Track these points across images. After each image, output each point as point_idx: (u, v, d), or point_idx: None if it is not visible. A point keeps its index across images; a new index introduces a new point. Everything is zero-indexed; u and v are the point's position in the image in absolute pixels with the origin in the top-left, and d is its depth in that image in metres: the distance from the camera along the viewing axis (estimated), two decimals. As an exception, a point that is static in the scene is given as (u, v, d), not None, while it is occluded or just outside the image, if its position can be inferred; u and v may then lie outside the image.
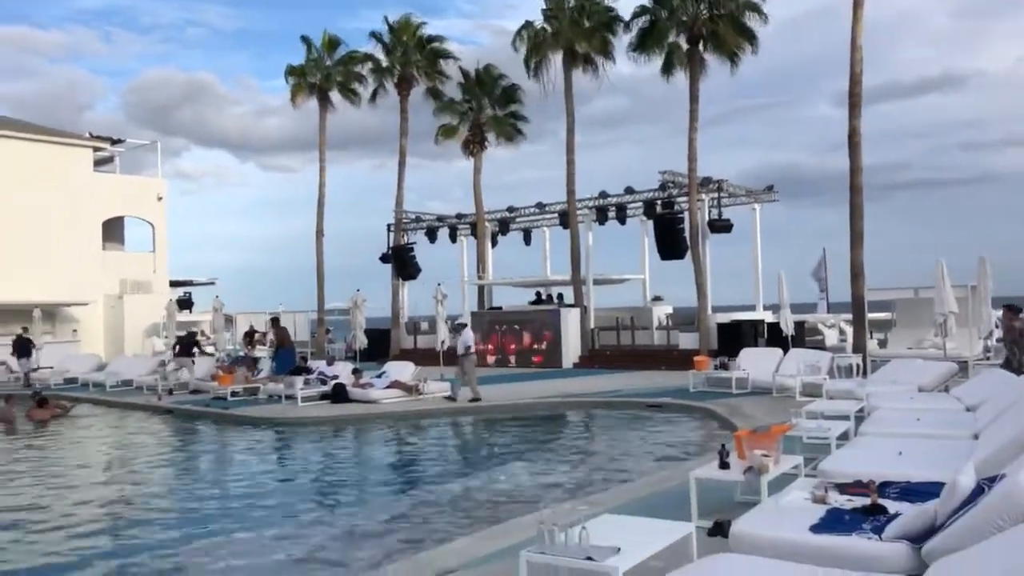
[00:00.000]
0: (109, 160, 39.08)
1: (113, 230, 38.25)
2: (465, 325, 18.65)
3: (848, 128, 20.96)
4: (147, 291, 36.54)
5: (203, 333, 35.82)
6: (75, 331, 34.01)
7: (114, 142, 38.38)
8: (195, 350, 22.43)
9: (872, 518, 5.14)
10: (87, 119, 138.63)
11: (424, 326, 31.31)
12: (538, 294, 28.97)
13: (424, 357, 24.76)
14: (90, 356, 28.13)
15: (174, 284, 39.92)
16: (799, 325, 22.71)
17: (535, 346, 25.96)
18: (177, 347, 22.43)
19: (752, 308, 26.64)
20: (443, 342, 23.96)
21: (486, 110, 30.79)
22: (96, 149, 37.12)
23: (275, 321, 24.65)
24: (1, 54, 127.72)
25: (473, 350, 17.83)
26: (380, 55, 32.29)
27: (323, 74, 32.67)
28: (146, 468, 12.66)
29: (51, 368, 25.89)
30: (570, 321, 25.70)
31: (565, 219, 28.08)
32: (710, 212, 25.30)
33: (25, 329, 26.57)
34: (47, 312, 30.81)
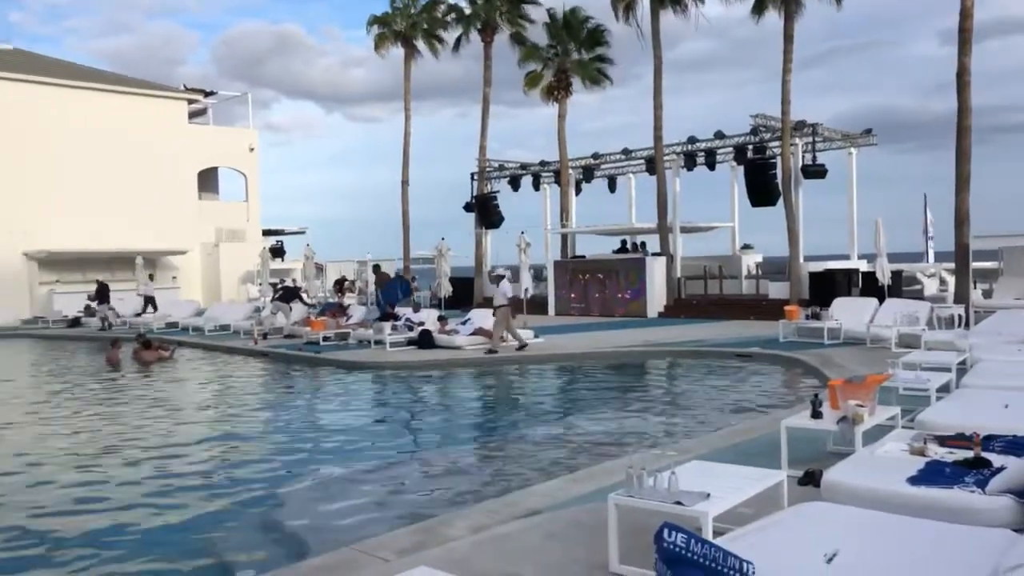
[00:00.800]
0: (203, 112, 40.25)
1: (208, 180, 39.59)
2: (503, 276, 18.59)
3: (957, 66, 19.78)
4: (241, 240, 37.83)
5: (294, 281, 37.00)
6: (175, 278, 35.56)
7: (207, 94, 39.45)
8: (297, 299, 23.29)
9: (975, 471, 4.95)
10: (181, 73, 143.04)
11: (508, 275, 31.44)
12: (623, 242, 28.67)
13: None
14: (189, 302, 29.42)
15: (266, 233, 41.19)
16: (896, 274, 21.86)
17: (619, 295, 25.78)
18: (280, 292, 23.39)
19: (846, 257, 25.73)
20: (526, 290, 24.05)
21: (572, 55, 30.25)
22: (190, 101, 38.26)
23: (376, 268, 25.62)
24: (101, 10, 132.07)
25: (506, 303, 17.36)
26: (463, 2, 32.03)
27: (408, 22, 32.64)
28: (247, 407, 13.22)
29: (154, 313, 27.19)
30: (656, 270, 25.37)
31: (651, 165, 27.55)
32: (804, 157, 24.41)
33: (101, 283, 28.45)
34: (148, 260, 32.28)
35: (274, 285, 23.87)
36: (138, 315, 27.45)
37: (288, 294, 23.06)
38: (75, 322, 28.47)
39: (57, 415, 12.93)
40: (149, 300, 27.98)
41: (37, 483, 8.44)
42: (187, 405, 13.99)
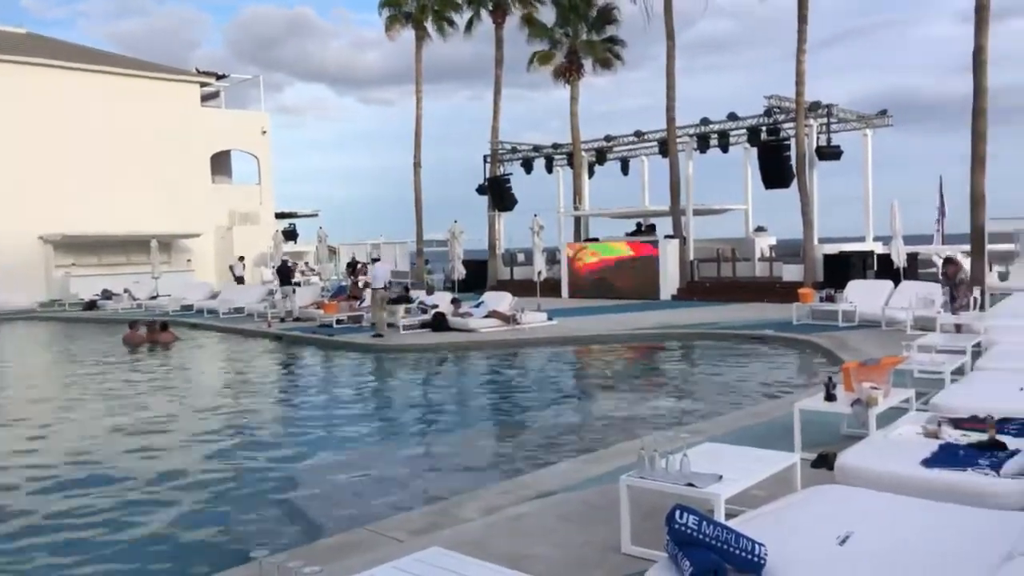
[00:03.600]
0: (215, 95, 40.28)
1: (221, 163, 39.66)
2: (377, 259, 18.91)
3: (974, 45, 19.51)
4: (254, 222, 37.94)
5: (307, 263, 37.09)
6: (189, 260, 35.73)
7: (219, 77, 39.46)
8: (292, 278, 23.12)
9: (990, 454, 4.93)
10: (194, 56, 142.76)
11: (521, 257, 31.45)
12: (639, 225, 28.57)
13: (521, 288, 24.91)
14: (203, 284, 29.56)
15: (279, 216, 41.29)
16: (912, 257, 21.70)
17: (634, 277, 25.72)
18: (278, 276, 23.31)
19: (861, 239, 25.54)
20: (539, 273, 24.03)
21: (581, 36, 30.04)
22: (202, 85, 38.29)
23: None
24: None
25: (381, 286, 17.87)
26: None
27: (419, 4, 32.49)
28: (261, 388, 13.31)
29: (169, 296, 27.37)
30: (669, 252, 25.29)
31: (664, 148, 27.38)
32: (818, 139, 24.18)
33: None
34: (163, 243, 32.44)
35: (278, 268, 23.54)
36: (153, 298, 27.64)
37: (283, 276, 22.57)
38: (91, 305, 28.69)
39: (79, 398, 13.09)
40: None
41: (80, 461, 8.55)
42: (205, 388, 14.11)
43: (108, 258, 33.42)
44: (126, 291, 28.42)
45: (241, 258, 33.09)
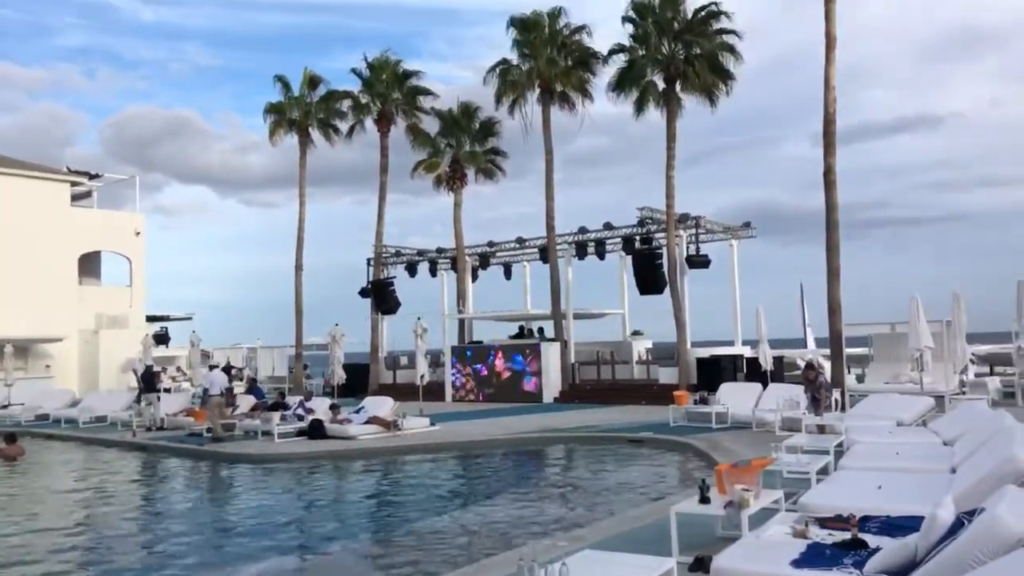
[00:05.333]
0: (87, 195, 38.85)
1: (90, 264, 37.90)
2: (215, 366, 19.40)
3: (824, 166, 21.25)
4: (123, 326, 36.12)
5: (178, 368, 35.47)
6: (48, 366, 33.48)
7: (92, 176, 38.19)
8: (158, 384, 21.97)
9: (853, 552, 5.13)
10: (68, 154, 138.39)
11: (404, 361, 31.16)
12: (521, 328, 28.95)
13: (403, 392, 24.60)
14: (63, 392, 27.68)
15: (151, 319, 39.53)
16: (778, 360, 22.84)
17: (516, 380, 25.86)
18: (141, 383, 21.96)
19: (731, 343, 26.74)
20: (422, 377, 23.82)
21: (465, 146, 30.97)
22: (73, 184, 36.89)
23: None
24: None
25: (217, 392, 18.31)
26: (358, 93, 32.49)
27: (303, 111, 32.82)
28: (113, 506, 12.39)
29: (22, 404, 25.46)
30: (551, 355, 25.67)
31: (545, 254, 28.17)
32: (688, 248, 25.48)
33: None
34: (19, 347, 30.36)
35: (141, 373, 22.12)
36: (4, 407, 25.65)
37: (147, 382, 21.31)
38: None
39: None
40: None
41: None
42: (43, 504, 13.00)
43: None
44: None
45: (149, 366, 30.18)
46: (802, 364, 24.98)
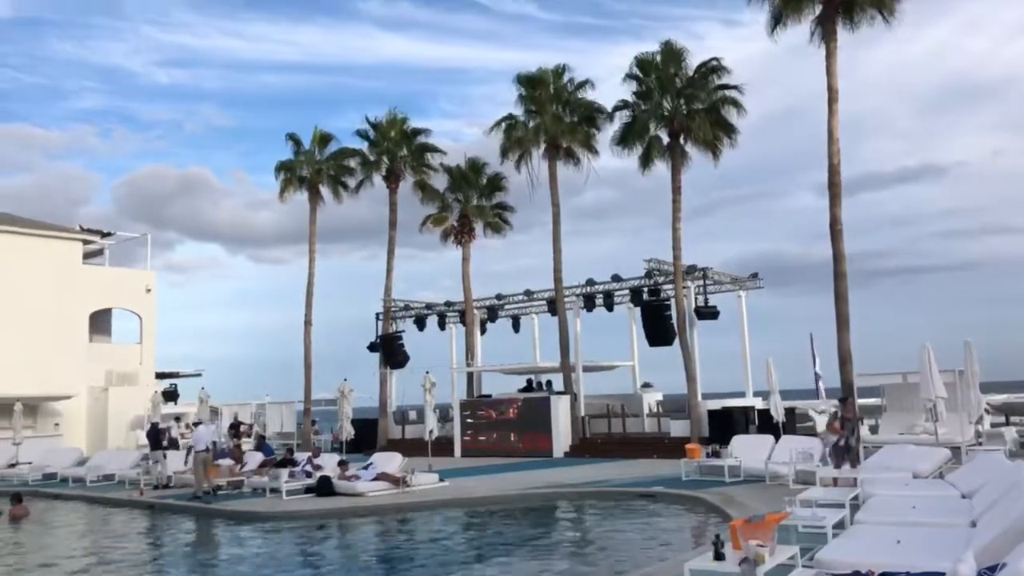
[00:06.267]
0: (99, 253, 39.27)
1: (100, 321, 38.11)
2: (200, 423, 19.47)
3: (829, 217, 21.37)
4: (132, 383, 36.16)
5: (187, 425, 35.35)
6: (57, 424, 33.45)
7: (104, 235, 38.65)
8: (164, 442, 21.87)
9: (872, 610, 5.02)
10: (82, 213, 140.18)
11: (412, 415, 30.99)
12: (529, 381, 28.82)
13: (412, 447, 24.43)
14: (71, 450, 27.55)
15: (160, 376, 39.56)
16: (789, 411, 22.63)
17: (527, 435, 25.64)
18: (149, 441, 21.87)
19: (742, 394, 26.53)
20: (431, 432, 23.68)
21: (472, 201, 31.27)
22: (86, 242, 37.33)
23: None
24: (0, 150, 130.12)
25: (202, 448, 18.38)
26: (367, 151, 32.97)
27: (313, 169, 33.27)
28: (118, 568, 12.24)
29: (30, 463, 25.34)
30: (560, 409, 25.49)
31: (553, 306, 28.20)
32: (696, 299, 25.47)
33: None
34: (29, 406, 30.37)
35: (148, 431, 22.01)
36: (12, 466, 25.52)
37: (153, 440, 21.23)
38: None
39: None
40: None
41: None
42: (45, 566, 12.84)
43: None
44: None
45: (177, 419, 30.33)
46: (815, 416, 24.78)
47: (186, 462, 20.26)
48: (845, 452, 14.10)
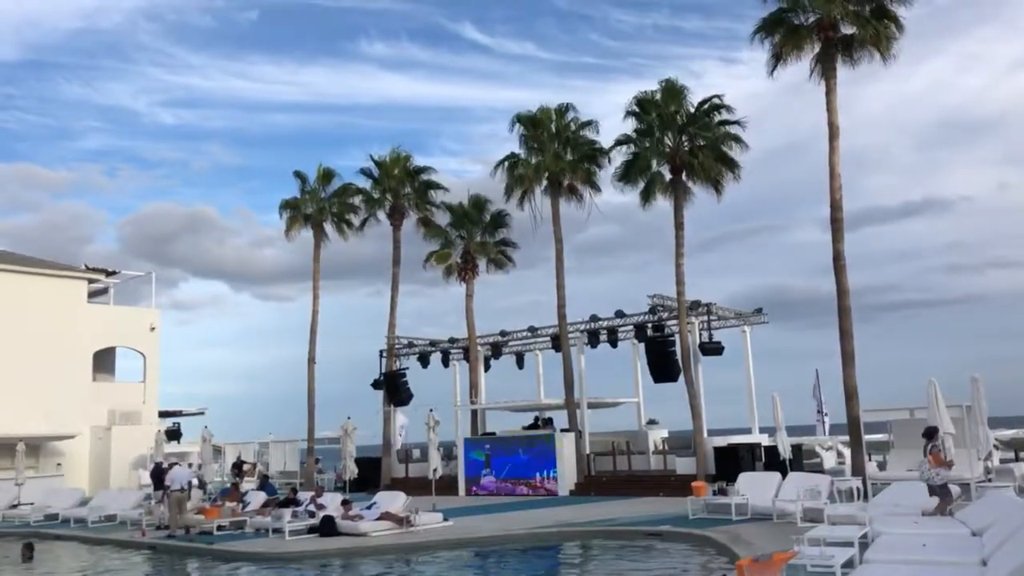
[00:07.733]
0: (104, 291, 39.43)
1: (104, 360, 38.14)
2: (176, 463, 19.87)
3: (832, 252, 21.39)
4: (136, 422, 36.06)
5: (189, 465, 35.14)
6: (59, 464, 33.31)
7: (109, 273, 38.83)
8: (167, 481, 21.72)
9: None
10: (88, 251, 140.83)
11: (416, 454, 30.79)
12: (536, 418, 28.62)
13: (416, 486, 24.24)
14: (73, 491, 27.36)
15: (164, 414, 39.46)
16: (796, 448, 22.45)
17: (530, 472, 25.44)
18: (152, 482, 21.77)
19: (748, 431, 26.32)
20: (435, 470, 23.50)
21: (476, 238, 31.38)
22: (91, 281, 37.49)
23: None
24: (5, 190, 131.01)
25: (178, 488, 18.65)
26: (371, 189, 33.20)
27: (318, 206, 33.48)
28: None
29: (32, 504, 25.17)
30: (565, 446, 25.30)
31: (557, 342, 28.13)
32: (700, 335, 25.39)
33: None
34: (31, 446, 30.26)
35: (152, 471, 22.03)
36: (13, 507, 25.36)
37: (156, 480, 21.15)
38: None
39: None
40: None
41: None
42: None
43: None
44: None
45: (159, 463, 29.53)
46: (822, 452, 24.59)
47: (161, 500, 20.14)
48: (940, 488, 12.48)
